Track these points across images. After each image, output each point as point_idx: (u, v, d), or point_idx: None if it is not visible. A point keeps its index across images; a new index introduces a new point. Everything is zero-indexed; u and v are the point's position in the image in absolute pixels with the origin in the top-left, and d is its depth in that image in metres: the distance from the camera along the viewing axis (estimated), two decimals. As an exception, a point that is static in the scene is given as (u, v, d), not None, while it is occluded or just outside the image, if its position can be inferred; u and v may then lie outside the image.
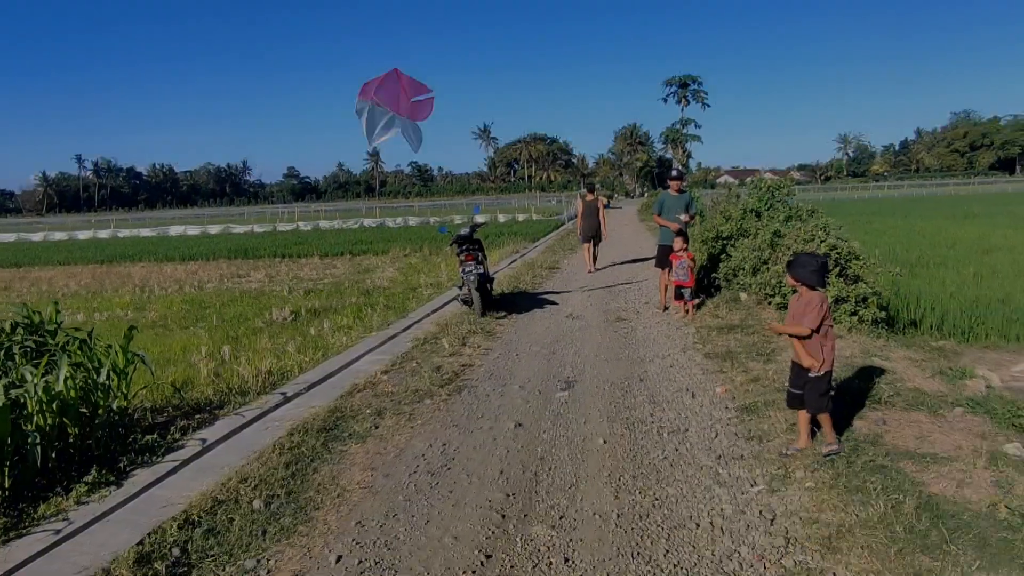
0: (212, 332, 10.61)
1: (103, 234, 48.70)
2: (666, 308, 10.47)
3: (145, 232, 47.28)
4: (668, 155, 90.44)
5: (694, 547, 3.77)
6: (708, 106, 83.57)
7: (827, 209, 42.51)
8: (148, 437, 5.66)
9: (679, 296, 10.05)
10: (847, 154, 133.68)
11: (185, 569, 3.69)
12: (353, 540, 3.96)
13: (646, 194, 71.78)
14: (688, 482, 4.59)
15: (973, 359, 8.50)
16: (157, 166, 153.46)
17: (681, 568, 3.58)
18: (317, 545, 3.92)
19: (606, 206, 10.13)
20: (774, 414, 5.60)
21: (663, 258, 10.25)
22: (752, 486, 4.47)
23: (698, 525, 4.01)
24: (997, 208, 34.87)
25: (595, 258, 16.26)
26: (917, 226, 26.71)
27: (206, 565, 3.73)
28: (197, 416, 6.39)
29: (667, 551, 3.74)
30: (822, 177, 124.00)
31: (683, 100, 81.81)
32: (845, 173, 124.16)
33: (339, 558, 3.77)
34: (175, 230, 47.29)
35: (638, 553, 3.73)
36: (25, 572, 3.75)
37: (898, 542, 3.57)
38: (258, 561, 3.76)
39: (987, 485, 4.21)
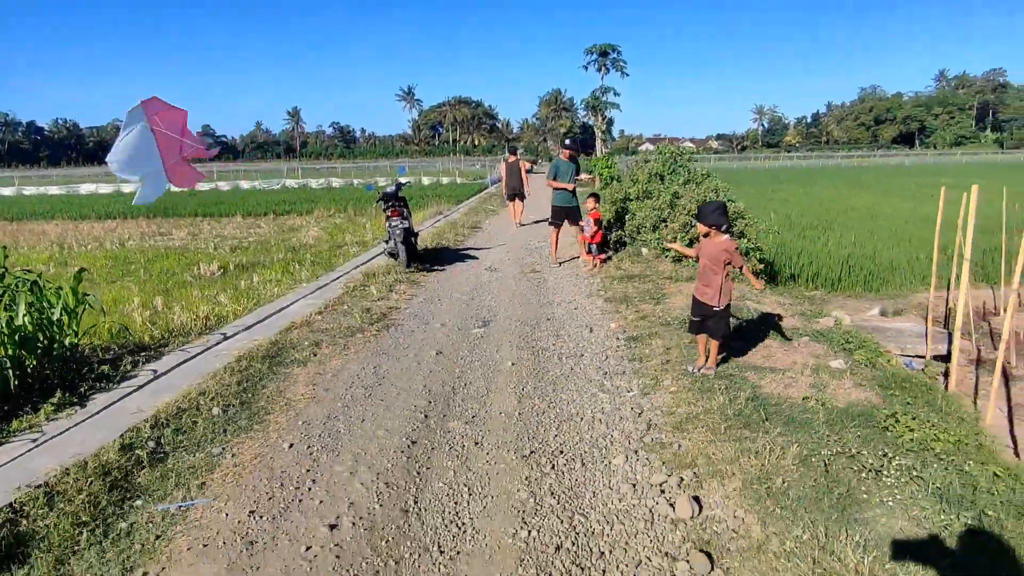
0: (141, 286, 10.95)
1: (7, 191, 46.55)
2: (560, 263, 11.56)
3: (54, 190, 45.58)
4: (591, 122, 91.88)
5: (577, 432, 4.80)
6: (627, 75, 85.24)
7: (740, 177, 44.56)
8: (103, 367, 6.28)
9: (589, 251, 11.15)
10: (762, 125, 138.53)
11: (162, 455, 4.47)
12: (302, 434, 4.83)
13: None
14: (579, 391, 5.61)
15: (836, 305, 9.85)
16: (60, 121, 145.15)
17: (566, 445, 4.59)
18: (272, 437, 4.77)
19: (529, 171, 11.11)
20: (655, 342, 6.70)
21: (556, 218, 11.31)
22: (628, 392, 5.53)
23: (582, 418, 5.03)
24: (891, 180, 37.52)
25: (520, 214, 17.71)
26: (817, 194, 28.69)
27: (179, 453, 4.52)
28: (143, 353, 6.98)
29: (555, 435, 4.75)
30: (739, 147, 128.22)
31: (603, 68, 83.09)
32: (760, 143, 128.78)
33: (291, 445, 4.63)
34: (86, 188, 45.63)
35: (532, 437, 4.73)
36: (13, 467, 4.38)
37: (728, 422, 4.68)
38: (223, 448, 4.58)
39: (806, 387, 5.39)
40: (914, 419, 4.61)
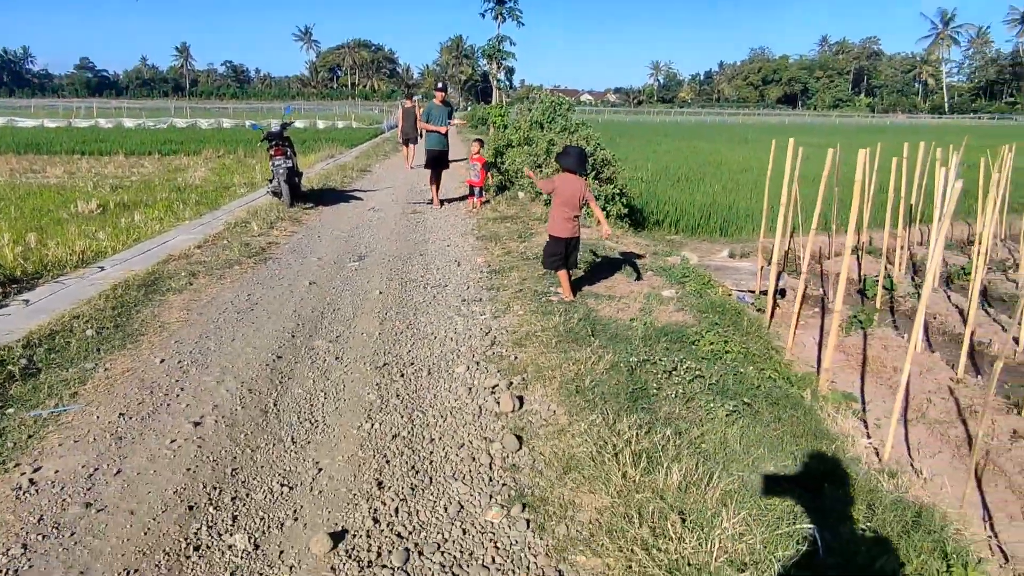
0: (12, 223, 10.63)
1: None
2: (442, 203, 12.07)
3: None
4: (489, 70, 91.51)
5: (429, 348, 5.39)
6: (523, 24, 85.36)
7: (632, 130, 45.68)
8: (-31, 298, 6.35)
9: (471, 193, 11.82)
10: (658, 80, 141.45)
11: (35, 371, 4.75)
12: (173, 351, 5.20)
13: (469, 107, 72.82)
14: (437, 315, 6.19)
15: (691, 248, 10.82)
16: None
17: (417, 359, 5.18)
18: (144, 354, 5.12)
19: (449, 118, 11.54)
20: (513, 274, 7.37)
21: (430, 160, 11.76)
22: (482, 315, 6.16)
23: (436, 337, 5.63)
24: (768, 136, 39.37)
25: (412, 157, 18.58)
26: (698, 147, 30.16)
27: (52, 368, 4.81)
28: (14, 285, 7.05)
29: (409, 351, 5.33)
30: (635, 101, 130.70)
31: (500, 17, 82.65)
32: (655, 98, 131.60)
33: (162, 360, 5.01)
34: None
35: (388, 352, 5.29)
36: None
37: (559, 337, 5.39)
38: (96, 364, 4.90)
39: (636, 310, 6.16)
40: (716, 335, 5.44)
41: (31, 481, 3.45)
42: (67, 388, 4.53)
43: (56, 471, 3.55)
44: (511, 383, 4.69)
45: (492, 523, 3.20)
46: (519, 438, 3.94)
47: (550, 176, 7.90)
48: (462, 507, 3.33)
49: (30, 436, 3.91)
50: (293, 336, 5.60)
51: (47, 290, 6.77)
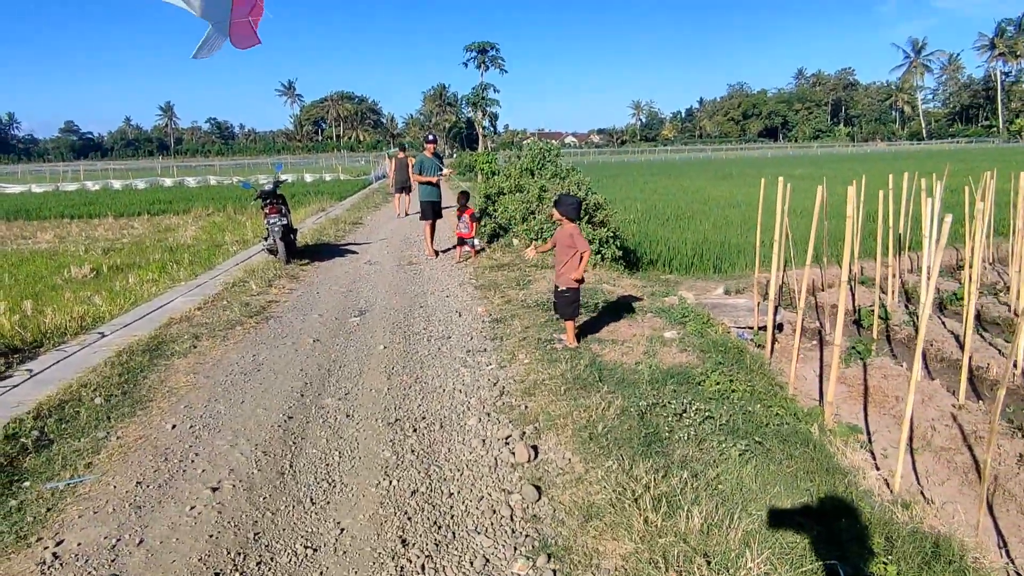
0: (7, 291, 10.66)
1: None
2: (437, 254, 12.19)
3: None
4: (474, 117, 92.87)
5: (439, 401, 5.43)
6: (506, 72, 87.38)
7: (617, 170, 46.24)
8: (-27, 371, 6.35)
9: (462, 243, 11.91)
10: (640, 120, 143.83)
11: (47, 443, 4.76)
12: (184, 416, 5.22)
13: (455, 155, 73.71)
14: (444, 367, 6.24)
15: (686, 287, 10.91)
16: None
17: (428, 412, 5.21)
18: (155, 420, 5.13)
19: (440, 170, 11.85)
20: (515, 322, 7.44)
21: (426, 212, 12.00)
22: (488, 366, 6.22)
23: (444, 390, 5.67)
24: (752, 170, 40.22)
25: (407, 205, 19.75)
26: (684, 185, 30.53)
27: (64, 439, 4.82)
28: (16, 355, 7.05)
29: (419, 405, 5.37)
30: (618, 141, 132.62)
31: (483, 65, 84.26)
32: (638, 138, 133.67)
33: (174, 426, 5.02)
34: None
35: (398, 407, 5.33)
36: None
37: (568, 384, 5.44)
38: (108, 432, 4.91)
39: (640, 354, 6.23)
40: (721, 375, 5.51)
41: (55, 555, 3.45)
42: (81, 459, 4.53)
43: (79, 543, 3.55)
44: (524, 433, 4.73)
45: (519, 575, 3.22)
46: (537, 488, 3.97)
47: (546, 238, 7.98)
48: (488, 561, 3.35)
49: (48, 509, 3.91)
50: (302, 395, 5.63)
51: (50, 358, 6.77)
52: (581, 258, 6.42)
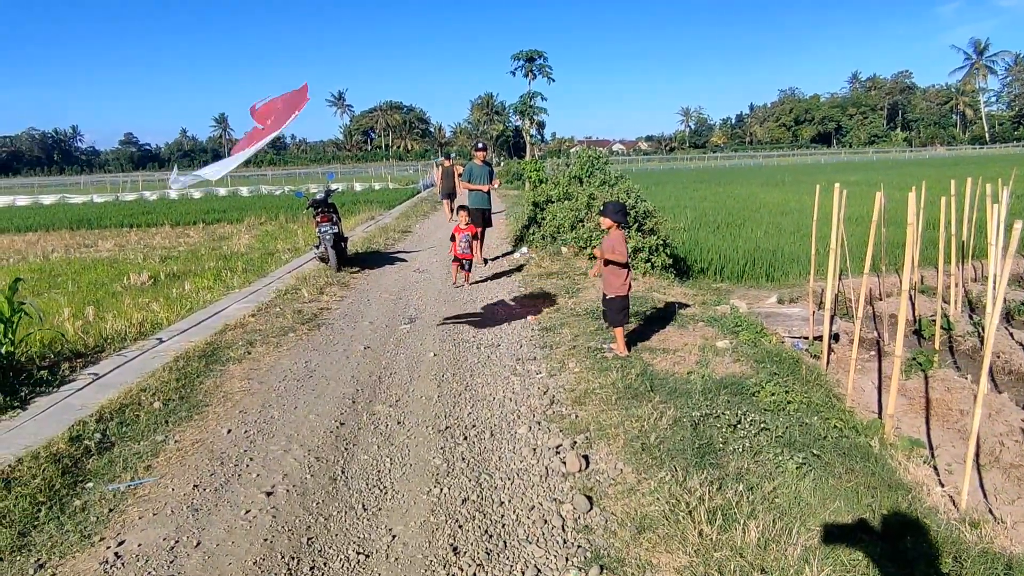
0: (70, 297, 11.00)
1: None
2: (486, 262, 12.21)
3: (-35, 203, 43.86)
4: (521, 126, 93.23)
5: (489, 409, 5.42)
6: (553, 80, 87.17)
7: (666, 178, 45.89)
8: (41, 373, 6.57)
9: (462, 267, 10.48)
10: (689, 127, 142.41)
11: (109, 445, 4.89)
12: (239, 420, 5.31)
13: (502, 163, 74.06)
14: (493, 375, 6.23)
15: (738, 295, 10.72)
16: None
17: (478, 421, 5.21)
18: (211, 425, 5.24)
19: (461, 175, 11.92)
20: (565, 331, 7.40)
21: (476, 219, 11.99)
22: (538, 374, 6.19)
23: (494, 398, 5.66)
24: (804, 177, 39.42)
25: (453, 211, 19.74)
26: (734, 192, 30.06)
27: (125, 442, 4.95)
28: (80, 359, 7.27)
29: (469, 413, 5.37)
30: (667, 148, 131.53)
31: (530, 74, 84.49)
32: (687, 144, 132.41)
33: (229, 430, 5.11)
34: (1, 200, 44.09)
35: (449, 414, 5.33)
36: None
37: (619, 394, 5.38)
38: (166, 436, 5.03)
39: (692, 363, 6.14)
40: (776, 385, 5.39)
41: (116, 555, 3.53)
42: (141, 461, 4.64)
43: (139, 544, 3.64)
44: (575, 442, 4.69)
45: (571, 587, 3.18)
46: (589, 498, 3.93)
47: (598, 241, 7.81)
48: (539, 571, 3.32)
49: (111, 510, 4.02)
50: (354, 402, 5.68)
51: (111, 363, 6.97)
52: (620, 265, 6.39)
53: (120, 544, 3.64)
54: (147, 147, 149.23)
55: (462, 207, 10.99)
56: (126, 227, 24.29)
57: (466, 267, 10.51)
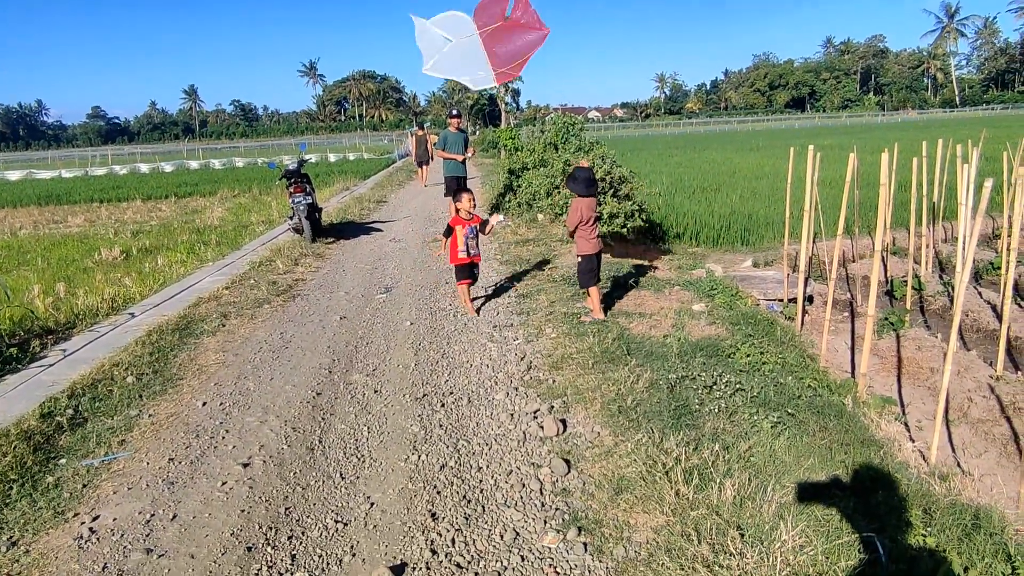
0: (40, 273, 10.82)
1: None
2: None
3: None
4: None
5: (467, 376, 5.42)
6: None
7: (642, 144, 45.82)
8: (11, 350, 6.45)
9: (467, 276, 7.21)
10: (664, 93, 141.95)
11: (82, 420, 4.83)
12: (214, 393, 5.27)
13: (478, 131, 73.39)
14: (470, 342, 6.23)
15: (714, 259, 10.78)
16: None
17: (455, 387, 5.21)
18: (186, 398, 5.19)
19: (435, 144, 11.77)
20: (542, 297, 7.40)
21: (451, 186, 11.89)
22: (515, 340, 6.19)
23: (471, 365, 5.66)
24: (779, 142, 39.52)
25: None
26: (710, 157, 30.08)
27: (98, 417, 4.89)
28: (50, 336, 7.15)
29: (447, 380, 5.37)
30: (643, 114, 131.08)
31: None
32: (663, 111, 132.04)
33: (204, 403, 5.07)
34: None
35: (426, 382, 5.33)
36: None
37: (596, 358, 5.40)
38: (140, 410, 4.97)
39: (668, 326, 6.17)
40: (751, 347, 5.43)
41: (91, 530, 3.50)
42: (115, 436, 4.59)
43: (114, 519, 3.60)
44: (552, 407, 4.71)
45: (550, 548, 3.20)
46: (567, 461, 3.95)
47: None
48: (518, 534, 3.34)
49: (84, 485, 3.97)
50: (330, 371, 5.65)
51: (83, 339, 6.87)
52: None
53: (95, 519, 3.60)
54: (116, 120, 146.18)
55: (459, 189, 7.72)
56: (96, 202, 23.81)
57: (475, 276, 7.38)
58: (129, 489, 3.91)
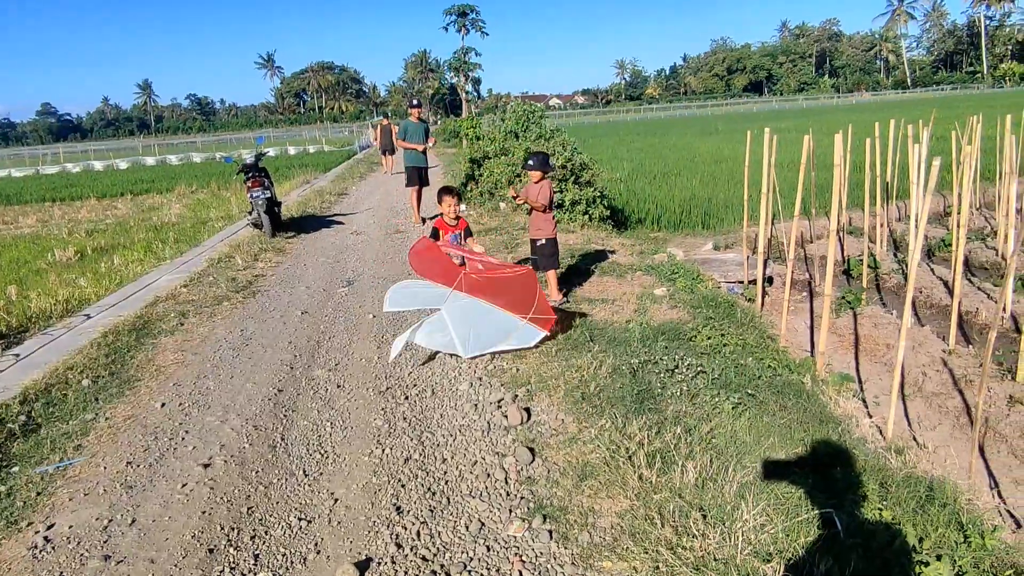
0: (-9, 276, 10.57)
1: None
2: (423, 220, 11.90)
3: None
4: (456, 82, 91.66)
5: (430, 368, 5.40)
6: (487, 35, 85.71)
7: (603, 130, 45.98)
8: (-40, 359, 6.26)
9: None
10: (624, 79, 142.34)
11: (35, 427, 4.70)
12: (173, 394, 5.17)
13: (439, 121, 72.99)
14: (434, 334, 6.18)
15: (676, 244, 10.87)
16: None
17: (420, 379, 5.19)
18: (143, 400, 5.08)
19: (426, 136, 11.52)
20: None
21: (412, 177, 11.77)
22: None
23: (435, 356, 5.62)
24: (738, 125, 39.92)
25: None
26: (670, 142, 30.34)
27: (52, 422, 4.76)
28: (1, 340, 6.96)
29: (410, 372, 5.35)
30: (603, 101, 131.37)
31: (463, 29, 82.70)
32: (623, 97, 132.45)
33: (163, 404, 4.97)
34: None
35: (389, 375, 5.30)
36: None
37: (559, 345, 5.42)
38: (96, 414, 4.86)
39: (631, 312, 6.21)
40: (712, 329, 5.49)
41: (46, 539, 3.41)
42: (70, 441, 4.48)
43: (70, 526, 3.52)
44: (516, 396, 4.71)
45: (515, 537, 3.21)
46: (531, 450, 3.95)
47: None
48: (483, 524, 3.33)
49: (38, 493, 3.87)
50: (292, 368, 5.58)
51: (36, 342, 6.69)
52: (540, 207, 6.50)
53: (49, 528, 3.51)
54: (68, 117, 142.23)
55: (441, 190, 6.51)
56: (48, 201, 23.25)
57: None
58: (86, 495, 3.82)
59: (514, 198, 6.68)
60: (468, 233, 6.50)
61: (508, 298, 5.31)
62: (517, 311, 5.29)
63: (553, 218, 6.66)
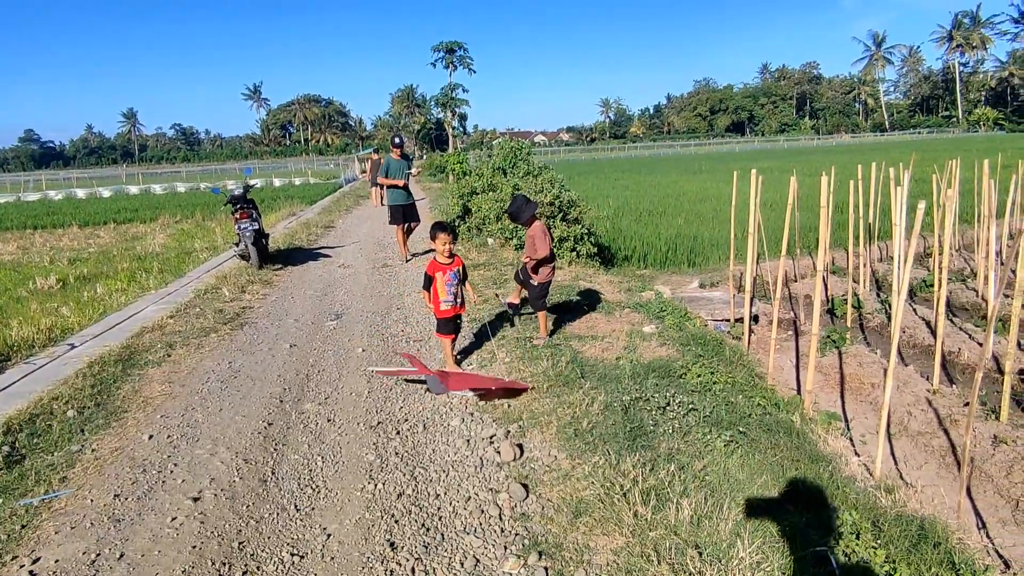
0: (-30, 305, 10.44)
1: None
2: (409, 259, 11.92)
3: None
4: (443, 118, 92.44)
5: (420, 403, 5.39)
6: (474, 72, 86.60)
7: (588, 168, 46.43)
8: (-59, 387, 6.16)
9: (450, 330, 6.13)
10: (609, 117, 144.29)
11: (19, 458, 4.63)
12: (160, 426, 5.11)
13: (424, 156, 73.41)
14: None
15: (662, 281, 10.96)
16: None
17: (411, 414, 5.17)
18: (131, 432, 5.02)
19: (408, 170, 11.55)
20: (494, 322, 7.39)
21: (396, 215, 11.77)
22: (469, 366, 6.17)
23: (426, 391, 5.61)
24: (720, 165, 40.59)
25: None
26: (655, 181, 30.68)
27: (36, 454, 4.69)
28: (-17, 371, 6.86)
29: (401, 406, 5.33)
30: (588, 139, 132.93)
31: (451, 65, 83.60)
32: (608, 135, 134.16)
33: (151, 436, 4.92)
34: None
35: (380, 409, 5.28)
36: None
37: (550, 381, 5.43)
38: (82, 446, 4.79)
39: (620, 349, 6.24)
40: (702, 367, 5.54)
41: (31, 573, 3.35)
42: (55, 473, 4.41)
43: (56, 560, 3.46)
44: (509, 431, 4.71)
45: (511, 574, 3.19)
46: (525, 486, 3.95)
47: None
48: (478, 561, 3.32)
49: (23, 526, 3.80)
50: (281, 401, 5.55)
51: (18, 372, 6.60)
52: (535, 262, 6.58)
53: (35, 562, 3.45)
54: (50, 144, 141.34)
55: (434, 227, 5.96)
56: (30, 229, 22.98)
57: (459, 328, 6.38)
58: (72, 528, 3.76)
59: (525, 263, 6.73)
60: (465, 274, 6.04)
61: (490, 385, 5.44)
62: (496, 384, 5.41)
63: (552, 267, 6.69)
